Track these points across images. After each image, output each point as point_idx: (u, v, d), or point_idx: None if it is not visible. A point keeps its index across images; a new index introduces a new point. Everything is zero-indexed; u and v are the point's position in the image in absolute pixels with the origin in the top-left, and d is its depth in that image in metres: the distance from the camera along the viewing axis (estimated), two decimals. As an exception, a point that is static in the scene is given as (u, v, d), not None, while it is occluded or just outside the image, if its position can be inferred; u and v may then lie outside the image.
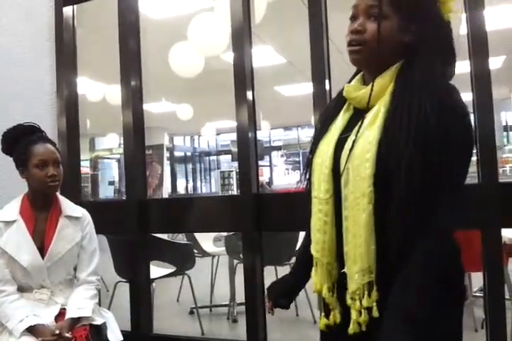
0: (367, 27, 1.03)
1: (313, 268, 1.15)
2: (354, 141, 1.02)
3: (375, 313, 0.99)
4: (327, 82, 2.10)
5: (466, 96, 1.85)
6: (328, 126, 1.14)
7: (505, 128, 12.29)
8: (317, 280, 1.13)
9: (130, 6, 2.51)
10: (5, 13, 2.67)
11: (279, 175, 16.21)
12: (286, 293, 1.30)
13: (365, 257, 1.00)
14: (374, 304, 0.99)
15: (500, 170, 10.44)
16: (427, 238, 0.96)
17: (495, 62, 6.59)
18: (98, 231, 1.96)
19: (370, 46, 1.03)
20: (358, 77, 1.14)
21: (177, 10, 4.09)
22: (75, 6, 2.71)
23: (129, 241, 2.49)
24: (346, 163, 1.02)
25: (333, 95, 2.13)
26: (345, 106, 1.14)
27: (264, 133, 14.03)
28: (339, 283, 1.09)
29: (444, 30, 1.09)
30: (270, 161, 15.73)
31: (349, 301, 1.03)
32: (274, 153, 16.04)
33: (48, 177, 1.73)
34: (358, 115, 1.07)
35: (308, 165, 1.19)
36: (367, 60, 1.06)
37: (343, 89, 1.15)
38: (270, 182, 14.15)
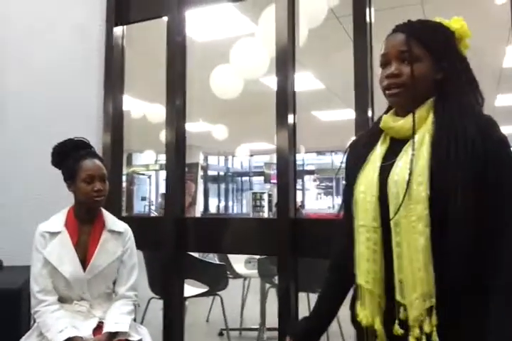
0: (403, 71, 1.10)
1: (359, 301, 1.13)
2: (411, 167, 1.04)
3: (435, 338, 0.99)
4: (369, 110, 2.10)
5: (508, 129, 1.82)
6: (365, 157, 1.17)
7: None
8: (367, 313, 1.11)
9: (178, 28, 2.59)
10: (57, 31, 2.80)
11: (311, 199, 16.14)
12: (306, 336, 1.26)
13: (425, 282, 1.00)
14: (434, 329, 0.99)
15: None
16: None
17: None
18: (136, 247, 1.99)
19: (408, 88, 1.10)
20: (391, 111, 1.20)
21: (220, 34, 4.21)
22: (125, 26, 2.82)
23: (166, 258, 2.50)
24: (407, 188, 1.03)
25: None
26: (381, 138, 1.18)
27: (298, 156, 14.04)
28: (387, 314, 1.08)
29: (466, 64, 1.17)
30: (303, 185, 15.69)
31: (399, 331, 1.03)
32: (306, 177, 16.02)
33: (94, 192, 1.79)
34: (395, 145, 1.13)
35: (345, 194, 1.22)
36: (406, 100, 1.12)
37: (377, 122, 1.22)
38: (302, 206, 14.10)
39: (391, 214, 1.05)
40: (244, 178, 17.18)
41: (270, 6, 2.42)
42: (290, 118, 2.30)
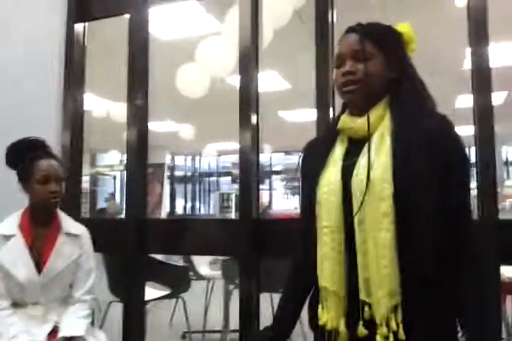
0: (357, 68, 1.13)
1: (322, 304, 1.12)
2: (368, 165, 1.06)
3: (402, 336, 0.99)
4: (331, 109, 2.12)
5: (469, 130, 1.88)
6: (324, 158, 1.18)
7: (506, 163, 12.39)
8: (332, 316, 1.09)
9: (140, 25, 2.55)
10: (16, 28, 2.72)
11: (279, 199, 16.20)
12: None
13: (391, 278, 1.01)
14: (401, 326, 1.00)
15: (500, 206, 10.45)
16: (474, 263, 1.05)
17: (497, 98, 6.68)
18: (95, 249, 1.94)
19: (363, 84, 1.12)
20: (346, 111, 1.22)
21: (185, 32, 4.17)
22: (87, 23, 2.76)
23: (126, 261, 2.46)
24: (367, 185, 1.04)
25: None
26: (339, 139, 1.20)
27: (265, 156, 14.09)
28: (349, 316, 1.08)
29: (414, 66, 1.21)
30: (270, 185, 15.74)
31: (364, 331, 1.04)
32: (274, 177, 16.07)
33: (49, 193, 1.74)
34: (354, 145, 1.15)
35: (307, 197, 1.21)
36: (361, 97, 1.14)
37: (333, 123, 1.24)
38: (269, 206, 14.14)
39: (355, 211, 1.06)
40: (211, 179, 17.11)
41: (235, 5, 2.41)
42: (253, 118, 2.30)
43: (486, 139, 1.86)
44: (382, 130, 1.11)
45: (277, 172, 16.07)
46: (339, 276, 1.08)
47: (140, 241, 2.42)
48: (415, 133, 1.06)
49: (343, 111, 1.24)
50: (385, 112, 1.13)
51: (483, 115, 1.87)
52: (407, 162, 1.03)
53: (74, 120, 2.67)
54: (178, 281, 3.23)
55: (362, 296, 1.04)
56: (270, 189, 15.76)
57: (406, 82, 1.16)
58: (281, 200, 16.22)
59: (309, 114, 2.18)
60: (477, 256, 1.06)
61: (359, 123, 1.14)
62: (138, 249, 2.42)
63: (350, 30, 1.19)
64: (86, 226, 1.95)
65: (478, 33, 1.90)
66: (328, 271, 1.09)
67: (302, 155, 1.31)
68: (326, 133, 1.29)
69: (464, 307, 1.04)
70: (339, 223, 1.09)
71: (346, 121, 1.18)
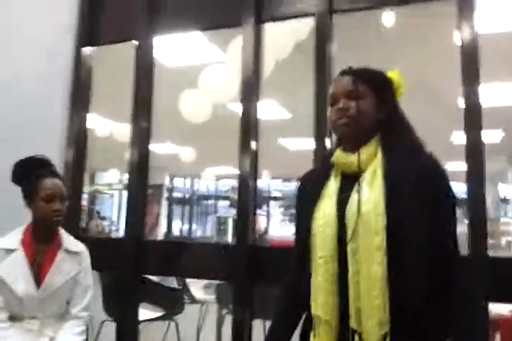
0: (350, 105, 1.21)
1: (315, 332, 1.15)
2: (359, 199, 1.11)
3: None
4: (327, 140, 2.16)
5: (460, 167, 1.92)
6: (319, 191, 1.23)
7: (502, 200, 12.41)
8: None
9: (146, 52, 2.65)
10: (26, 50, 2.83)
11: (276, 226, 16.12)
12: None
13: (382, 309, 1.05)
14: None
15: (492, 242, 10.48)
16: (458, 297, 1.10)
17: (493, 136, 6.79)
18: (92, 268, 1.98)
19: (355, 121, 1.20)
20: (340, 147, 1.28)
21: (189, 60, 4.29)
22: (95, 47, 2.87)
23: (122, 280, 2.48)
24: (358, 216, 1.10)
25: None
26: (333, 173, 1.25)
27: (264, 182, 14.12)
28: None
29: (402, 110, 1.29)
30: (268, 211, 15.69)
31: None
32: (272, 203, 16.05)
33: (53, 212, 1.79)
34: (348, 180, 1.20)
35: (298, 227, 1.29)
36: (353, 132, 1.21)
37: (328, 157, 1.30)
38: (266, 232, 14.06)
39: (349, 245, 1.10)
40: (209, 202, 17.08)
41: (238, 36, 2.52)
42: (253, 144, 2.36)
43: (475, 176, 1.91)
44: (374, 166, 1.17)
45: (275, 199, 16.06)
46: (332, 306, 1.12)
47: (137, 262, 2.45)
48: (405, 170, 1.13)
49: (337, 146, 1.31)
50: (376, 150, 1.20)
51: (473, 152, 1.92)
52: (399, 197, 1.10)
53: (78, 139, 2.75)
54: (172, 303, 3.24)
55: (352, 325, 1.08)
56: (268, 215, 15.71)
57: (396, 123, 1.25)
58: (278, 226, 16.15)
59: (308, 143, 2.24)
60: (466, 291, 1.13)
61: (352, 159, 1.20)
62: (134, 269, 2.45)
63: (344, 72, 1.28)
64: (85, 244, 1.99)
65: (470, 71, 1.98)
66: (322, 301, 1.13)
67: (298, 187, 1.37)
68: (321, 166, 1.35)
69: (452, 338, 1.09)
70: (333, 254, 1.13)
71: (340, 156, 1.24)
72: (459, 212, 1.22)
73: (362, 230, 1.09)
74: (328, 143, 2.18)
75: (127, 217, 2.55)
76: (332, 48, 2.25)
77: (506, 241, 10.36)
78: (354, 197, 1.14)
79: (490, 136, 6.77)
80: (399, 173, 1.13)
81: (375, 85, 1.25)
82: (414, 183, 1.11)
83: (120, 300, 2.54)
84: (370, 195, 1.12)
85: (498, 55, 3.28)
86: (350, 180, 1.19)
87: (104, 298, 3.12)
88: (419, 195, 1.10)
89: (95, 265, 2.04)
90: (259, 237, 9.46)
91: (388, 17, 3.17)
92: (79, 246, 1.93)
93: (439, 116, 3.26)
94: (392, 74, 1.30)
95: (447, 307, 1.09)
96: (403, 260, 1.06)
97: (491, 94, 4.80)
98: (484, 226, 1.89)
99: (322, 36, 2.25)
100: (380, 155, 1.19)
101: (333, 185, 1.23)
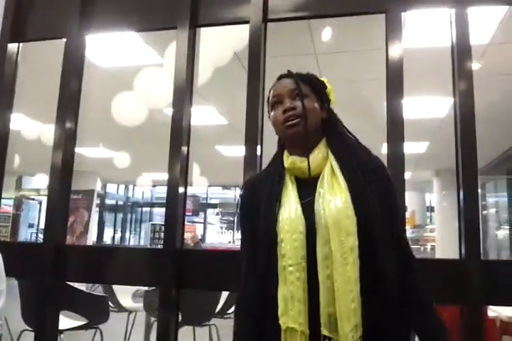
0: (296, 104, 1.21)
1: None
2: (324, 202, 1.12)
3: None
4: (258, 147, 2.18)
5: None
6: (276, 197, 1.19)
7: (428, 209, 13.09)
8: None
9: (76, 51, 2.56)
10: None
11: (213, 233, 16.06)
12: None
13: (358, 312, 1.04)
14: None
15: (422, 248, 11.10)
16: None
17: (419, 147, 7.13)
18: (9, 274, 1.86)
19: (304, 119, 1.19)
20: (285, 153, 1.27)
21: (126, 62, 4.20)
22: (21, 43, 2.74)
23: (41, 287, 2.35)
24: (327, 220, 1.10)
25: (264, 160, 2.22)
26: (287, 178, 1.22)
27: (202, 189, 14.04)
28: None
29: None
30: (205, 218, 15.61)
31: None
32: (209, 211, 15.97)
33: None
34: (305, 183, 1.19)
35: (248, 234, 1.24)
36: (304, 131, 1.20)
37: (273, 162, 1.30)
38: (203, 240, 13.98)
39: (319, 249, 1.08)
40: (145, 209, 16.74)
41: (175, 41, 2.49)
42: (184, 150, 2.34)
43: (397, 185, 1.97)
44: (329, 167, 1.18)
45: (213, 206, 16.01)
46: (304, 315, 1.07)
47: (57, 268, 2.34)
48: (358, 168, 1.16)
49: (280, 151, 1.30)
50: (326, 152, 1.21)
51: (395, 163, 1.98)
52: (363, 197, 1.11)
53: (-2, 140, 2.60)
54: (96, 311, 3.11)
55: (325, 332, 1.05)
56: (205, 222, 15.63)
57: (334, 123, 1.28)
58: (215, 234, 16.10)
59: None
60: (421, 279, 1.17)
61: (311, 163, 1.19)
62: (54, 276, 2.33)
63: (284, 76, 1.29)
64: (2, 250, 1.87)
65: (394, 85, 2.06)
66: (296, 311, 1.07)
67: (244, 192, 1.32)
68: (267, 171, 1.31)
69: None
70: (303, 261, 1.09)
71: (295, 161, 1.22)
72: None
73: (333, 233, 1.07)
74: (258, 150, 2.19)
75: (46, 222, 2.43)
76: (265, 55, 2.27)
77: (431, 246, 10.93)
78: (319, 200, 1.13)
79: (416, 147, 7.12)
80: (354, 173, 1.15)
81: (315, 86, 1.27)
82: (370, 182, 1.14)
83: (38, 308, 2.41)
84: (335, 197, 1.11)
85: (424, 69, 3.45)
86: (308, 184, 1.18)
87: (22, 307, 2.95)
88: (376, 193, 1.13)
89: (11, 271, 1.92)
90: (195, 245, 9.37)
91: (322, 28, 3.26)
92: (-10, 252, 1.81)
93: (370, 128, 3.37)
94: (324, 80, 1.33)
95: (409, 295, 1.12)
96: (375, 258, 1.07)
97: (418, 107, 5.05)
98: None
99: (256, 43, 2.26)
100: (331, 156, 1.20)
101: (290, 190, 1.20)
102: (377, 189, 1.15)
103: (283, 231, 1.13)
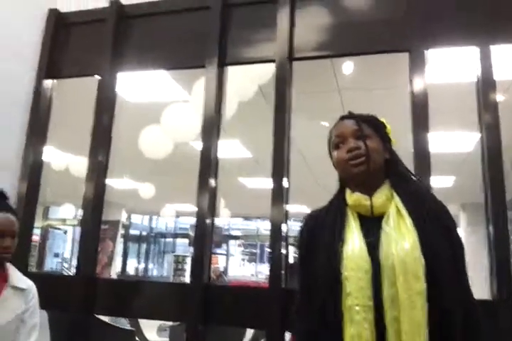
0: (359, 144, 1.22)
1: None
2: (390, 242, 1.10)
3: None
4: (285, 179, 2.22)
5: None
6: (339, 234, 1.17)
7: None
8: None
9: (108, 87, 2.68)
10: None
11: (235, 265, 15.87)
12: None
13: None
14: None
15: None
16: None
17: (446, 181, 7.06)
18: (41, 306, 1.89)
19: (368, 158, 1.20)
20: (348, 191, 1.26)
21: (154, 97, 4.34)
22: (56, 80, 2.88)
23: (72, 320, 2.38)
24: (394, 260, 1.08)
25: (291, 192, 2.24)
26: (350, 215, 1.21)
27: (224, 220, 14.01)
28: None
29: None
30: (227, 250, 15.43)
31: None
32: (231, 242, 15.85)
33: (2, 249, 1.72)
34: (369, 221, 1.18)
35: (306, 272, 1.22)
36: (369, 170, 1.20)
37: (336, 199, 1.29)
38: (225, 272, 13.78)
39: (385, 290, 1.07)
40: (168, 240, 16.72)
41: (202, 77, 2.59)
42: (212, 182, 2.38)
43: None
44: (395, 208, 1.16)
45: (235, 237, 15.91)
46: None
47: (87, 301, 2.37)
48: (424, 210, 1.15)
49: (341, 188, 1.30)
50: (390, 192, 1.20)
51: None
52: (430, 239, 1.09)
53: (32, 172, 2.69)
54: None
55: None
56: (227, 254, 15.45)
57: (396, 163, 1.27)
58: (237, 266, 15.90)
59: (268, 182, 2.27)
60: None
61: (375, 201, 1.18)
62: (84, 309, 2.36)
63: (345, 116, 1.30)
64: (33, 281, 1.91)
65: (420, 119, 2.09)
66: None
67: (305, 226, 1.31)
68: (329, 207, 1.30)
69: None
70: (370, 302, 1.07)
71: (359, 198, 1.21)
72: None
73: (401, 275, 1.05)
74: (285, 183, 2.22)
75: (79, 255, 2.48)
76: (291, 92, 2.34)
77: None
78: (385, 239, 1.11)
79: (443, 181, 7.04)
80: (421, 216, 1.13)
81: (376, 127, 1.28)
82: (436, 226, 1.13)
83: (68, 341, 2.42)
84: (403, 238, 1.09)
85: (449, 104, 3.47)
86: (373, 222, 1.16)
87: (52, 339, 2.96)
88: (443, 238, 1.12)
89: (44, 303, 1.96)
90: (218, 278, 9.17)
91: (345, 65, 3.33)
92: (26, 283, 1.85)
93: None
94: (383, 120, 1.33)
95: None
96: (441, 305, 1.05)
97: (444, 141, 5.04)
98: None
99: (282, 81, 2.33)
100: (397, 198, 1.18)
101: (354, 227, 1.18)
102: (442, 234, 1.13)
103: (347, 268, 1.10)
